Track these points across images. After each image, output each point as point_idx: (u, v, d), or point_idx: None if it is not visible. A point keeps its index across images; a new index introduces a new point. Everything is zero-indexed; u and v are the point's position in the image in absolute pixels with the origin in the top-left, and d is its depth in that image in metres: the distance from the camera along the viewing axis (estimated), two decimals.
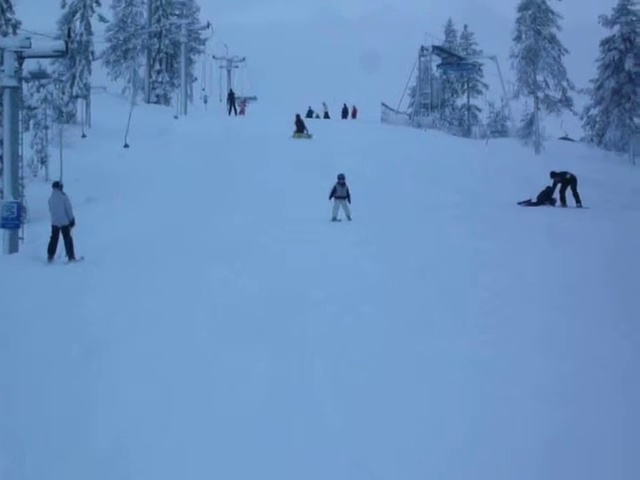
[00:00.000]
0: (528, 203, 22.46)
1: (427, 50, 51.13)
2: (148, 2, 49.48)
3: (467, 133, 53.14)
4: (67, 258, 15.29)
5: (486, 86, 56.57)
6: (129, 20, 50.30)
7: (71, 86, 35.93)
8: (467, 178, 27.17)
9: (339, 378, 7.88)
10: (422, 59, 51.62)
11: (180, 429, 6.78)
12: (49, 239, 15.43)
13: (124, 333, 9.59)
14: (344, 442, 6.47)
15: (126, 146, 30.73)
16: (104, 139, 31.57)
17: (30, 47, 17.29)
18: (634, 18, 41.85)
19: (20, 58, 17.34)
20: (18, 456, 6.39)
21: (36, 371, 8.33)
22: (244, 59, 59.36)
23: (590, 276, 12.39)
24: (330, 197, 19.61)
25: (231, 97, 49.35)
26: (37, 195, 20.74)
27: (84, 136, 31.99)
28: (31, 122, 27.75)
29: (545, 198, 22.49)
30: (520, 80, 42.21)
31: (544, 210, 21.37)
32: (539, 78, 42.13)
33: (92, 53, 37.79)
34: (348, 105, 52.11)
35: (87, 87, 36.41)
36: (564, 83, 42.09)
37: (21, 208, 17.58)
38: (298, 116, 36.39)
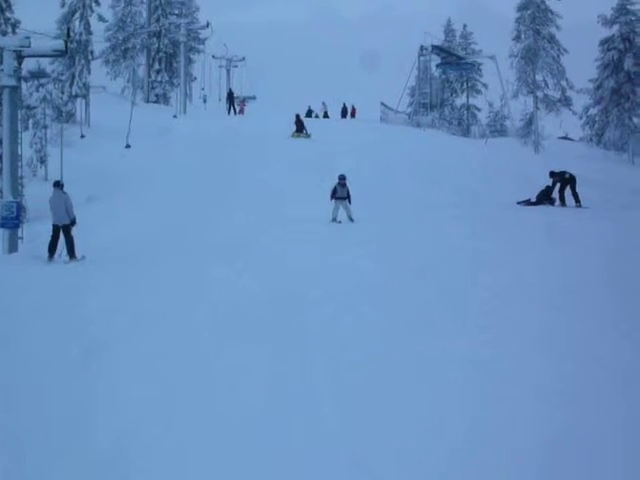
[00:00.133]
0: (527, 203, 22.47)
1: (426, 50, 51.16)
2: (147, 2, 49.35)
3: (466, 133, 53.13)
4: (68, 257, 15.31)
5: (485, 86, 56.56)
6: (128, 20, 50.25)
7: (70, 85, 35.84)
8: (466, 178, 27.14)
9: (339, 378, 7.88)
10: (421, 59, 51.65)
11: (181, 429, 6.77)
12: (49, 238, 15.46)
13: (125, 333, 9.58)
14: (344, 442, 6.47)
15: (128, 146, 30.66)
16: (104, 139, 31.48)
17: (29, 46, 17.27)
18: (633, 18, 41.77)
19: (19, 57, 17.30)
20: (18, 456, 6.38)
21: (36, 371, 8.33)
22: (244, 59, 59.31)
23: (590, 276, 12.40)
24: (331, 198, 19.56)
25: (230, 97, 49.35)
26: (36, 194, 20.74)
27: (83, 137, 31.93)
28: (30, 121, 27.66)
29: (544, 198, 22.50)
30: (519, 80, 42.17)
31: (543, 210, 21.38)
32: (538, 78, 42.10)
33: (91, 52, 37.68)
34: (347, 105, 52.15)
35: (86, 87, 36.31)
36: (563, 83, 42.06)
37: (20, 208, 17.55)
38: (298, 116, 36.34)
